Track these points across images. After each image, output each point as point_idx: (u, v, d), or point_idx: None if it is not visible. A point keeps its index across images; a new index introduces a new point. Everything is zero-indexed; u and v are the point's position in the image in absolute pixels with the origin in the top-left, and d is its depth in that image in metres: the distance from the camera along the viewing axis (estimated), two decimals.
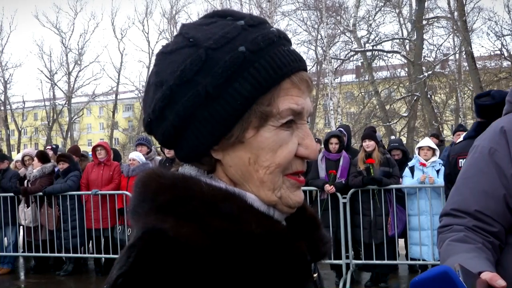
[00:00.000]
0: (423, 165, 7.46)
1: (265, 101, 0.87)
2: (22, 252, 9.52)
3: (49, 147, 11.86)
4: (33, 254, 9.30)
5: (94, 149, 8.92)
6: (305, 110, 0.91)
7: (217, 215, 0.85)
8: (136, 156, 8.75)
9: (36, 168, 8.97)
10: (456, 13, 24.06)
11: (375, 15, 30.31)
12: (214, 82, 0.85)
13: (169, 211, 0.85)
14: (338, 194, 7.56)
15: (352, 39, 30.08)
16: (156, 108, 0.89)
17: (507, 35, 27.87)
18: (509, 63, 27.20)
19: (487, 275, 1.49)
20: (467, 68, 24.90)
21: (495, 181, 1.78)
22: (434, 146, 7.76)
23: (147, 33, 63.51)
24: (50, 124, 47.76)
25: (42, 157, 9.16)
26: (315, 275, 0.97)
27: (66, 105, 47.53)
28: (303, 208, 0.98)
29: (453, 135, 9.47)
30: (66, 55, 47.37)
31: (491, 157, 1.80)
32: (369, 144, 7.55)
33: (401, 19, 31.58)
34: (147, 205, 0.88)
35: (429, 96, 27.08)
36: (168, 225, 0.84)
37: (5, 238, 9.32)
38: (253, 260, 0.84)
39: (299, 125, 0.91)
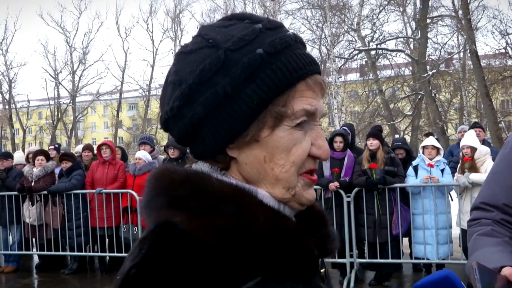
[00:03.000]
0: (431, 166, 7.42)
1: (281, 102, 0.89)
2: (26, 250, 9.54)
3: (52, 146, 11.92)
4: (38, 252, 9.33)
5: (99, 148, 8.94)
6: (318, 111, 0.93)
7: (227, 210, 0.87)
8: (143, 155, 8.80)
9: (38, 168, 9.00)
10: (460, 12, 23.98)
11: (379, 14, 30.26)
12: (233, 83, 0.88)
13: (181, 206, 0.87)
14: (342, 193, 7.56)
15: (356, 38, 30.03)
16: (175, 106, 0.92)
17: None
18: None
19: (507, 271, 1.50)
20: (472, 66, 24.82)
21: None
22: (438, 145, 7.74)
23: (151, 32, 63.17)
24: (55, 123, 47.90)
25: (47, 155, 9.21)
26: (322, 270, 0.99)
27: (71, 104, 47.66)
28: (311, 205, 1.00)
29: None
30: (71, 54, 47.54)
31: None
32: (373, 143, 7.55)
33: (405, 17, 31.54)
34: (159, 199, 0.90)
35: (433, 94, 27.05)
36: (180, 219, 0.86)
37: (10, 237, 9.35)
38: (260, 254, 0.86)
39: (312, 126, 0.94)
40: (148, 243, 0.87)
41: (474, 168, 7.17)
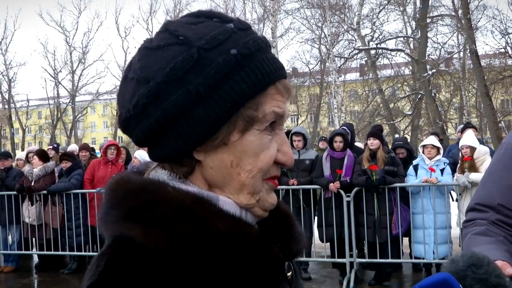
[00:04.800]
0: (432, 170, 7.41)
1: (253, 106, 0.87)
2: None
3: (50, 146, 11.93)
4: (38, 252, 9.34)
5: (107, 148, 8.95)
6: (285, 114, 0.92)
7: (185, 220, 0.84)
8: (138, 154, 8.85)
9: (37, 167, 8.99)
10: (460, 11, 23.97)
11: (379, 13, 30.27)
12: (206, 83, 0.85)
13: (137, 218, 0.84)
14: (342, 193, 7.56)
15: (356, 37, 30.05)
16: (140, 104, 0.87)
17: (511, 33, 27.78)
18: None
19: (498, 264, 1.50)
20: (472, 66, 24.82)
21: None
22: (438, 145, 7.74)
23: (151, 32, 63.32)
24: (54, 122, 47.91)
25: (43, 155, 9.20)
26: (289, 273, 0.96)
27: (70, 103, 47.66)
28: (276, 207, 0.97)
29: (461, 132, 9.45)
30: (70, 54, 47.55)
31: None
32: (374, 143, 7.55)
33: (405, 17, 31.58)
34: (115, 212, 0.87)
35: (433, 94, 27.01)
36: (136, 232, 0.83)
37: (9, 237, 9.35)
38: (222, 263, 0.84)
39: (277, 131, 0.92)
40: (104, 260, 0.83)
41: (473, 168, 7.18)
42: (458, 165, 7.57)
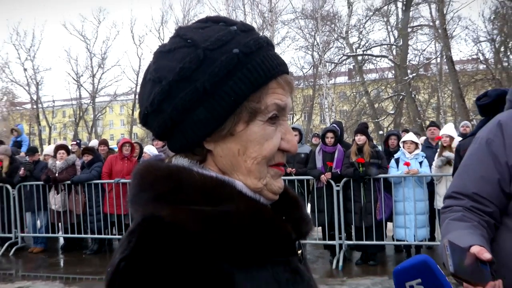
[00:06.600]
0: (407, 164, 7.44)
1: (255, 99, 0.87)
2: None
3: (74, 142, 11.92)
4: (63, 235, 9.36)
5: (123, 145, 8.95)
6: (288, 107, 0.91)
7: (209, 201, 0.84)
8: (147, 149, 8.89)
9: (60, 160, 9.01)
10: (437, 22, 23.94)
11: (365, 23, 30.17)
12: (211, 80, 0.85)
13: (166, 200, 0.84)
14: (332, 183, 7.57)
15: (345, 45, 29.95)
16: (155, 102, 0.87)
17: (483, 41, 27.78)
18: (485, 66, 27.09)
19: (475, 249, 1.51)
20: (447, 70, 24.80)
21: (491, 167, 1.80)
22: (417, 140, 7.77)
23: (163, 40, 63.06)
24: (77, 120, 47.79)
25: (66, 150, 9.23)
26: (299, 251, 0.97)
27: (91, 103, 47.54)
28: (285, 192, 0.98)
29: (426, 130, 9.47)
30: (91, 60, 47.33)
31: (488, 147, 1.83)
32: (361, 138, 7.55)
33: (388, 27, 31.46)
34: (145, 194, 0.87)
35: (413, 95, 27.02)
36: (165, 212, 0.83)
37: (38, 221, 9.37)
38: (243, 241, 0.84)
39: (281, 122, 0.91)
40: (136, 236, 0.82)
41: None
42: (438, 152, 7.61)
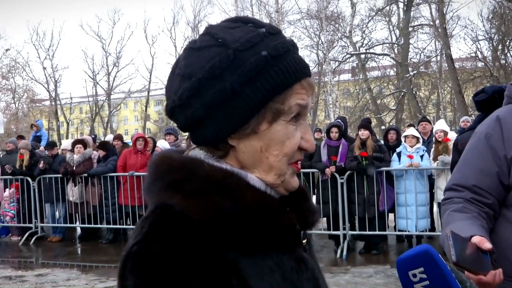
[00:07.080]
0: (410, 157, 7.40)
1: (280, 100, 0.86)
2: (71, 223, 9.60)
3: (90, 137, 11.99)
4: (80, 225, 9.40)
5: (136, 140, 8.95)
6: (308, 107, 0.91)
7: (217, 192, 0.84)
8: (160, 144, 8.91)
9: (78, 154, 9.05)
10: (437, 21, 23.80)
11: (368, 23, 30.10)
12: (240, 80, 0.84)
13: (177, 189, 0.85)
14: (337, 175, 7.54)
15: (348, 43, 29.88)
16: (183, 96, 0.87)
17: (481, 40, 27.62)
18: (483, 64, 26.93)
19: (476, 239, 1.51)
20: (447, 68, 24.68)
21: (490, 161, 1.79)
22: (418, 135, 7.73)
23: (174, 40, 62.93)
24: (93, 116, 48.03)
25: (82, 143, 9.27)
26: (304, 241, 0.96)
27: (106, 100, 47.75)
28: None
29: (418, 125, 9.38)
30: (106, 58, 47.49)
31: (487, 141, 1.81)
32: (364, 133, 7.52)
33: (390, 26, 31.36)
34: (158, 183, 0.88)
35: (414, 92, 26.95)
36: (175, 201, 0.84)
37: (56, 212, 9.42)
38: (248, 230, 0.84)
39: (301, 122, 0.91)
40: (148, 222, 0.84)
41: (447, 150, 7.15)
42: (433, 148, 7.57)
